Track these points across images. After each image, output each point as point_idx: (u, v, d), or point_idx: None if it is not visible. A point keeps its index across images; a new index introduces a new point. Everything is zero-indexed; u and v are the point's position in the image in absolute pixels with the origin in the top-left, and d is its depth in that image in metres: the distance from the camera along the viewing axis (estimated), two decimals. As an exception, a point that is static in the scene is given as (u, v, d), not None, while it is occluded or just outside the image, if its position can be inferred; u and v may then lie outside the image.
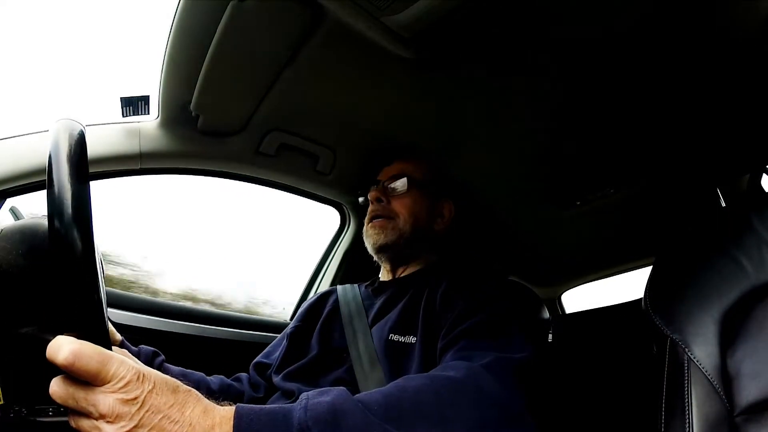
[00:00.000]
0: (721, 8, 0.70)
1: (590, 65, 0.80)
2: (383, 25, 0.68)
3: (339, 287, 0.94)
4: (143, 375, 0.36)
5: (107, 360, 0.35)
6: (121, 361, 0.35)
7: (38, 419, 0.44)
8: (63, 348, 0.33)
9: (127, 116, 0.85)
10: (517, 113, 0.93)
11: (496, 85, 0.85)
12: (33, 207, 0.79)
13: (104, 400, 0.34)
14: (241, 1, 0.65)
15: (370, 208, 0.92)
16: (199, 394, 0.40)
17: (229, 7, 0.66)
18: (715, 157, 0.66)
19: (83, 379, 0.34)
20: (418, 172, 0.93)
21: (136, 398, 0.35)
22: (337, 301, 0.90)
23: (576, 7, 0.68)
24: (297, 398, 0.71)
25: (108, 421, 0.34)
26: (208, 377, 0.83)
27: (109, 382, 0.34)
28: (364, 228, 0.92)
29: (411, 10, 0.64)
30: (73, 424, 0.36)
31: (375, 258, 0.92)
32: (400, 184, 0.90)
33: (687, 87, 0.77)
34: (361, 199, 1.00)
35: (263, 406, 0.44)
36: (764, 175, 0.69)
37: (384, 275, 0.95)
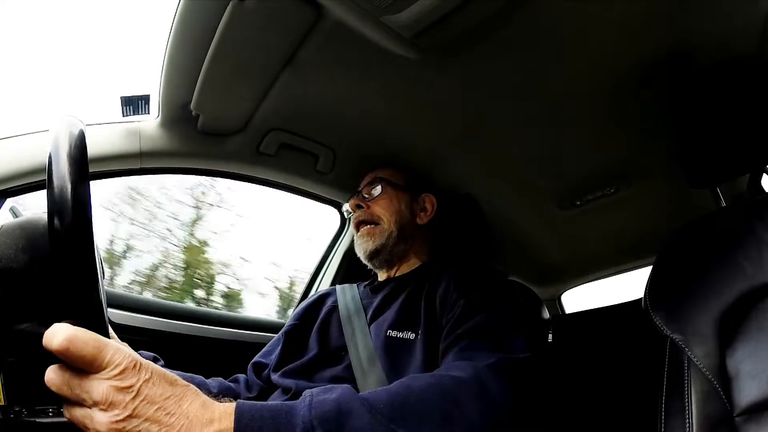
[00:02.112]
0: (722, 7, 0.70)
1: (590, 65, 0.81)
2: (383, 25, 0.68)
3: (338, 287, 0.94)
4: (140, 364, 0.35)
5: (102, 346, 0.34)
6: (117, 349, 0.35)
7: (38, 420, 0.44)
8: (58, 334, 0.33)
9: (127, 116, 0.85)
10: (518, 112, 0.93)
11: (496, 85, 0.85)
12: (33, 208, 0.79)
13: (98, 386, 0.33)
14: (241, 1, 0.65)
15: (353, 216, 0.95)
16: (198, 390, 0.39)
17: (229, 7, 0.66)
18: (714, 157, 0.66)
19: (78, 365, 0.34)
20: (392, 175, 0.96)
21: (131, 386, 0.34)
22: (335, 301, 0.90)
23: (577, 7, 0.68)
24: (293, 394, 0.70)
25: (101, 409, 0.33)
26: (207, 380, 0.82)
27: (104, 369, 0.34)
28: (354, 237, 0.94)
29: (411, 9, 0.64)
30: (67, 415, 0.36)
31: (369, 265, 0.94)
32: (375, 187, 0.94)
33: (687, 86, 0.77)
34: (345, 207, 1.02)
35: (265, 402, 0.43)
36: (764, 175, 0.69)
37: (381, 276, 0.95)
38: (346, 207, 1.02)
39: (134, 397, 0.34)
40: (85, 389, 0.34)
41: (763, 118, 0.62)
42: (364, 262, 0.93)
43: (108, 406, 0.33)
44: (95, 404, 0.34)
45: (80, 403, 0.35)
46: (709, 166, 0.67)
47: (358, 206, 0.93)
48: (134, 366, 0.35)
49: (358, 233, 0.92)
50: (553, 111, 0.92)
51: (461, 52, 0.77)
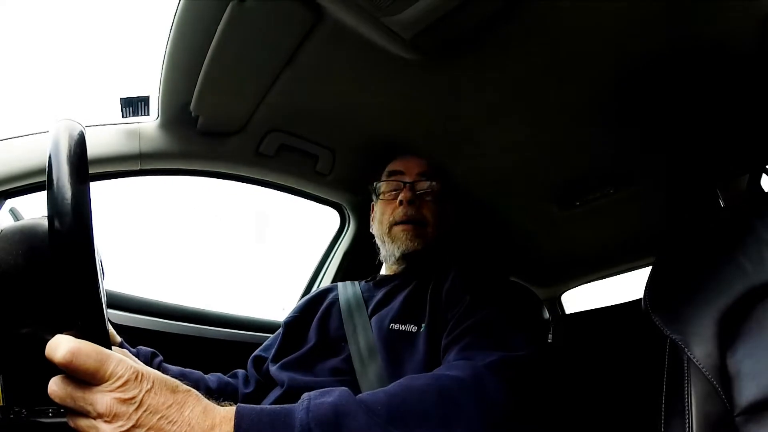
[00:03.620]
0: (721, 7, 0.70)
1: (590, 65, 0.81)
2: (383, 26, 0.68)
3: (339, 284, 0.94)
4: (141, 374, 0.36)
5: (105, 359, 0.34)
6: (120, 360, 0.35)
7: (38, 420, 0.44)
8: (61, 346, 0.33)
9: (127, 117, 0.85)
10: (517, 113, 0.93)
11: (497, 85, 0.85)
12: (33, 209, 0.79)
13: (102, 399, 0.34)
14: (241, 1, 0.65)
15: (400, 208, 0.86)
16: (199, 394, 0.40)
17: (229, 7, 0.66)
18: (714, 157, 0.66)
19: (81, 377, 0.34)
20: (439, 175, 0.92)
21: (133, 398, 0.35)
22: (336, 295, 0.90)
23: (577, 7, 0.68)
24: (288, 388, 0.71)
25: (106, 421, 0.34)
26: (206, 375, 0.83)
27: (106, 381, 0.34)
28: (391, 229, 0.87)
29: (411, 10, 0.64)
30: (71, 423, 0.36)
31: (390, 261, 0.90)
32: (430, 187, 0.89)
33: (686, 86, 0.77)
34: (378, 186, 0.93)
35: (264, 406, 0.43)
36: (764, 175, 0.69)
37: (385, 271, 0.95)
38: (382, 187, 0.91)
39: (137, 408, 0.35)
40: (89, 401, 0.34)
41: (763, 118, 0.62)
42: (390, 255, 0.87)
43: (112, 417, 0.34)
44: (99, 416, 0.34)
45: (84, 414, 0.35)
46: (709, 166, 0.67)
47: (411, 201, 0.86)
48: (136, 377, 0.36)
49: (402, 228, 0.85)
50: (553, 110, 0.92)
51: (461, 53, 0.77)
